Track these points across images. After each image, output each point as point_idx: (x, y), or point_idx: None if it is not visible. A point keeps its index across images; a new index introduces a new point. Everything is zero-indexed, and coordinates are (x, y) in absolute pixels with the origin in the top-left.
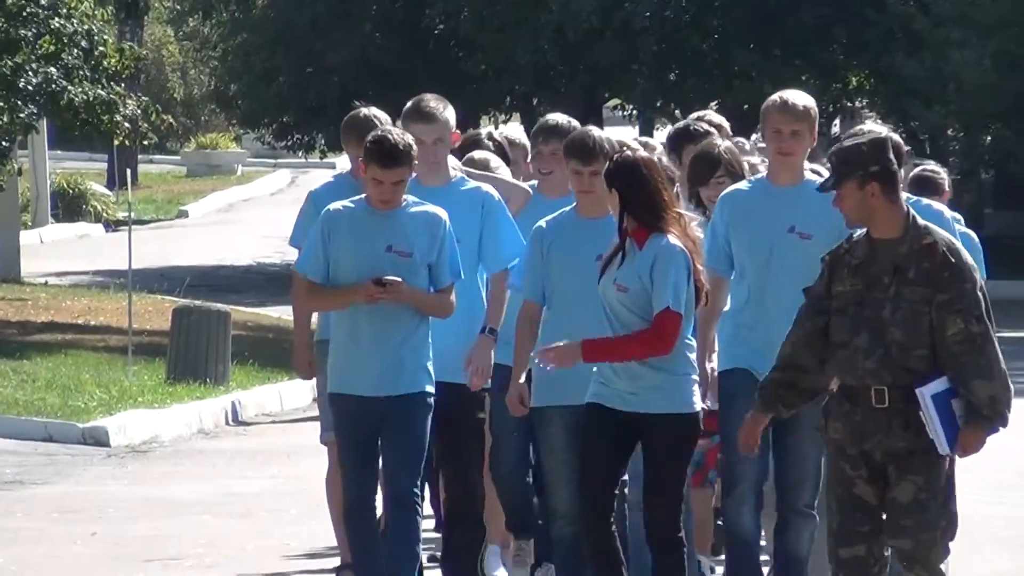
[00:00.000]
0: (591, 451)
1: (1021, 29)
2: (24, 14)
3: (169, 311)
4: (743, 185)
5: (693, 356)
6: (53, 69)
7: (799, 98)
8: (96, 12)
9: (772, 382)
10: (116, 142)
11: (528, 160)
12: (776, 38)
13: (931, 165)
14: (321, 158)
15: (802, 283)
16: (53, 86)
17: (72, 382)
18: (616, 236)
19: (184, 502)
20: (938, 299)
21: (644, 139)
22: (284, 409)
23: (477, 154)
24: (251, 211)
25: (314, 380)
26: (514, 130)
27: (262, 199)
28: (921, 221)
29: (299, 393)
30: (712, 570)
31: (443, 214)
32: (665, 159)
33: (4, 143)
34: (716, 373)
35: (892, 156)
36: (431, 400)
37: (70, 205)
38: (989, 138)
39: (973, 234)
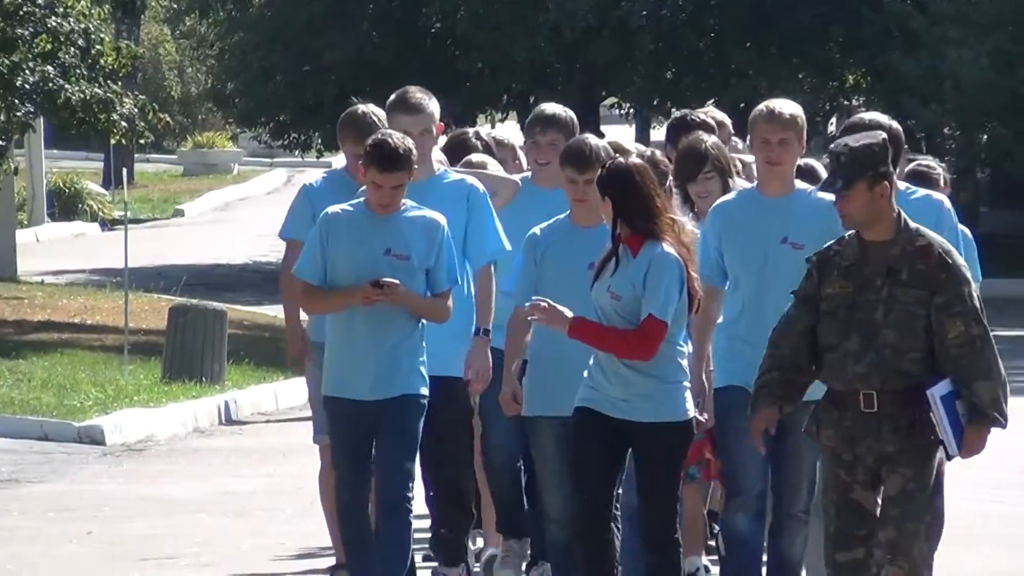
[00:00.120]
0: (584, 457)
1: (1018, 28)
2: (21, 13)
3: (165, 310)
4: (733, 196)
5: (685, 363)
6: (50, 68)
7: (786, 107)
8: (93, 11)
9: (772, 382)
10: (113, 141)
11: (520, 147)
12: (773, 36)
13: (927, 159)
14: (318, 157)
15: None
16: (50, 85)
17: (68, 381)
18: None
19: (180, 501)
20: (936, 301)
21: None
22: (279, 408)
23: (475, 157)
24: (247, 210)
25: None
26: (503, 130)
27: (258, 198)
28: (912, 223)
29: (295, 392)
30: (707, 570)
31: (442, 220)
32: (659, 153)
33: (0, 142)
34: (712, 390)
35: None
36: (424, 402)
37: (66, 204)
38: (985, 136)
39: (968, 231)
